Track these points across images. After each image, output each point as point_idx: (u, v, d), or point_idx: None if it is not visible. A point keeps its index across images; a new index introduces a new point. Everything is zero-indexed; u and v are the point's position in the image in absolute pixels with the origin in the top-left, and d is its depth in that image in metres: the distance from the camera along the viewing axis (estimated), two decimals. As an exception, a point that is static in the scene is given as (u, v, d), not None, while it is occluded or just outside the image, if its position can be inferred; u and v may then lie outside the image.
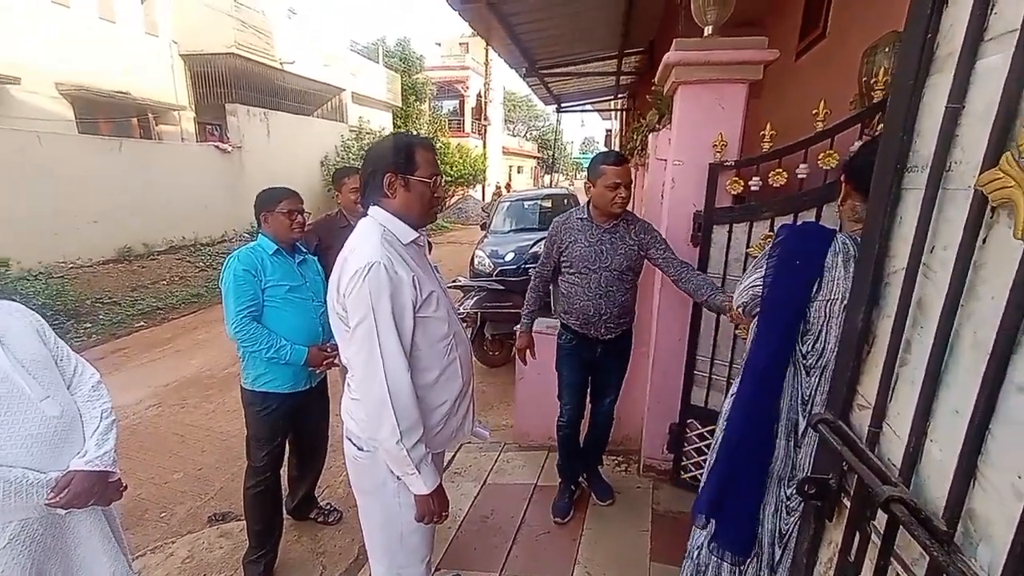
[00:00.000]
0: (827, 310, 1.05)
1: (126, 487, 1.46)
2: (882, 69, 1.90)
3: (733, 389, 1.27)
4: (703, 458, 2.47)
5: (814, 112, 1.95)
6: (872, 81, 1.90)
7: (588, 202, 2.14)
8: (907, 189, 0.71)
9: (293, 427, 2.27)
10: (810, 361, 1.06)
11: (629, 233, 2.09)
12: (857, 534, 0.70)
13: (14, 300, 1.44)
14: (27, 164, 7.15)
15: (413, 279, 1.29)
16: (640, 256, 2.10)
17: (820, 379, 1.06)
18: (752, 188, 2.11)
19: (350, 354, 1.30)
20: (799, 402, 1.07)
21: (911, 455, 0.62)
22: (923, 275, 0.65)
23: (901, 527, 0.63)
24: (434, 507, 1.36)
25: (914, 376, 0.66)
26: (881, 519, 0.65)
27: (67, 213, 7.65)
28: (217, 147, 10.92)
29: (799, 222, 2.00)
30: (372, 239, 1.28)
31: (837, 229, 1.15)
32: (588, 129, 64.67)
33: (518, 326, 2.53)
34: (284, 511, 2.37)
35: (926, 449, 0.61)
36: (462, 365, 1.47)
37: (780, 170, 2.05)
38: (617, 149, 12.17)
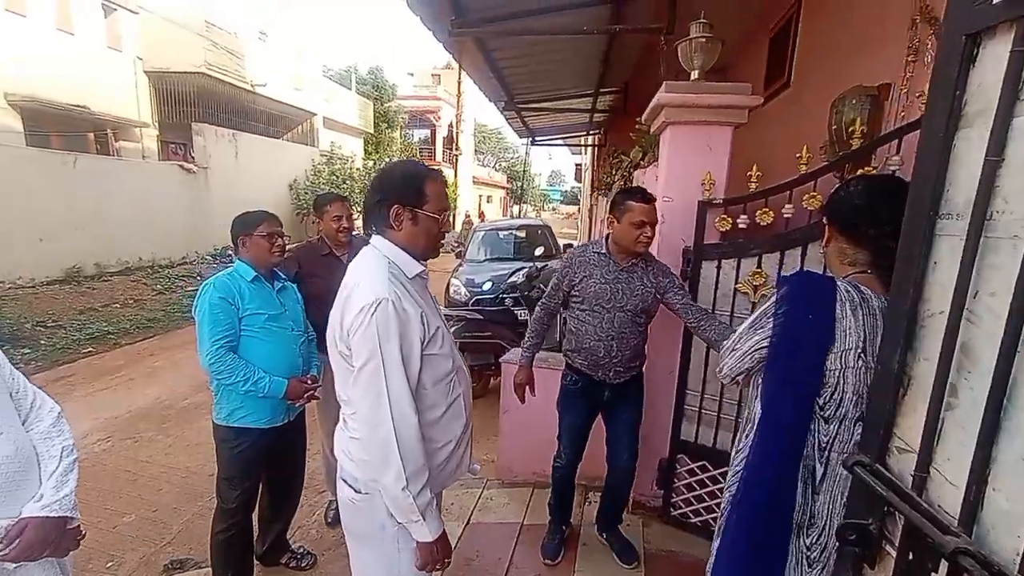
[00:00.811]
0: (842, 361, 1.03)
1: (84, 534, 1.32)
2: (857, 120, 2.04)
3: (741, 446, 1.21)
4: (693, 494, 2.46)
5: (797, 156, 2.05)
6: (850, 130, 2.03)
7: (607, 237, 2.09)
8: (940, 235, 0.73)
9: (268, 465, 2.12)
10: (828, 412, 1.04)
11: (647, 274, 2.03)
12: (914, 585, 0.69)
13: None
14: (-33, 177, 6.68)
15: (421, 315, 1.23)
16: (656, 299, 2.03)
17: (839, 427, 1.05)
18: (740, 226, 2.18)
19: (355, 395, 1.22)
20: (816, 449, 1.06)
21: (971, 504, 0.62)
22: (967, 320, 0.67)
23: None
24: (437, 554, 1.28)
25: (964, 421, 0.66)
26: (941, 569, 0.65)
27: (10, 229, 7.14)
28: (181, 166, 10.57)
29: (788, 265, 2.08)
30: (378, 273, 1.22)
31: (834, 277, 1.14)
32: (555, 162, 66.63)
33: (512, 355, 2.45)
34: (254, 557, 2.19)
35: (989, 498, 0.61)
36: (465, 401, 1.42)
37: (767, 209, 2.14)
38: (588, 183, 12.54)
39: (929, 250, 0.74)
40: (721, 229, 2.22)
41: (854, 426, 1.04)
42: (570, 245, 10.02)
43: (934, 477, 0.71)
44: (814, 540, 1.07)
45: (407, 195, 1.27)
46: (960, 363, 0.68)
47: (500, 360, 3.08)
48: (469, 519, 2.66)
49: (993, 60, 0.65)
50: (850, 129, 2.04)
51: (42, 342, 5.86)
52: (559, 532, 2.37)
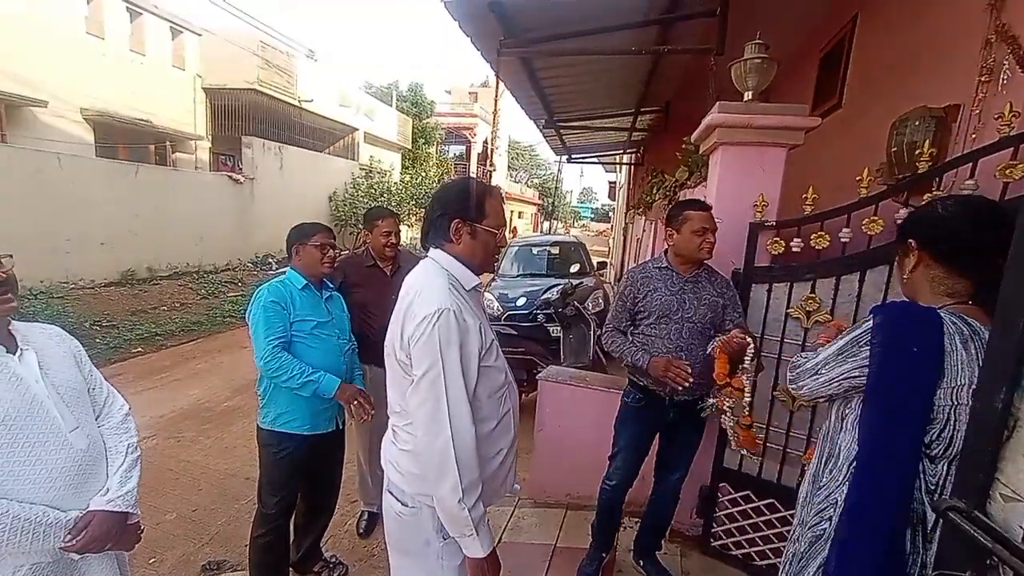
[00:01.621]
0: (953, 397, 0.94)
1: (143, 530, 1.36)
2: (926, 142, 1.95)
3: (824, 482, 1.10)
4: (735, 525, 2.34)
5: (858, 179, 1.98)
6: (916, 152, 1.95)
7: (666, 251, 2.08)
8: (1056, 266, 0.68)
9: (308, 473, 2.15)
10: (936, 451, 0.96)
11: (712, 284, 2.01)
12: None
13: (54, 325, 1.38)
14: (44, 184, 7.23)
15: (480, 327, 1.24)
16: (722, 309, 2.00)
17: (948, 468, 0.96)
18: (793, 249, 2.11)
19: (413, 404, 1.22)
20: (924, 492, 0.97)
21: (1103, 563, 0.56)
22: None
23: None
24: (488, 571, 1.25)
25: (1091, 470, 0.60)
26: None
27: (77, 233, 7.65)
28: (230, 177, 11.10)
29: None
30: (439, 284, 1.24)
31: (936, 308, 1.03)
32: (587, 180, 66.76)
33: (549, 373, 2.40)
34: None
35: None
36: (514, 416, 1.40)
37: (823, 233, 2.06)
38: (623, 201, 12.46)
39: (1041, 281, 0.69)
40: (773, 252, 2.15)
41: None
42: (604, 263, 9.94)
43: (1051, 531, 0.64)
44: None
45: (467, 210, 1.30)
46: (1083, 405, 0.62)
47: (537, 377, 3.04)
48: (500, 538, 2.61)
49: None
50: (916, 152, 1.95)
51: (98, 340, 6.17)
52: (598, 558, 2.29)
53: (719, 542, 2.40)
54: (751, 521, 2.28)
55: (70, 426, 1.21)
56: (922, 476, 0.97)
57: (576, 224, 47.70)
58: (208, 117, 12.28)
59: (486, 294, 6.13)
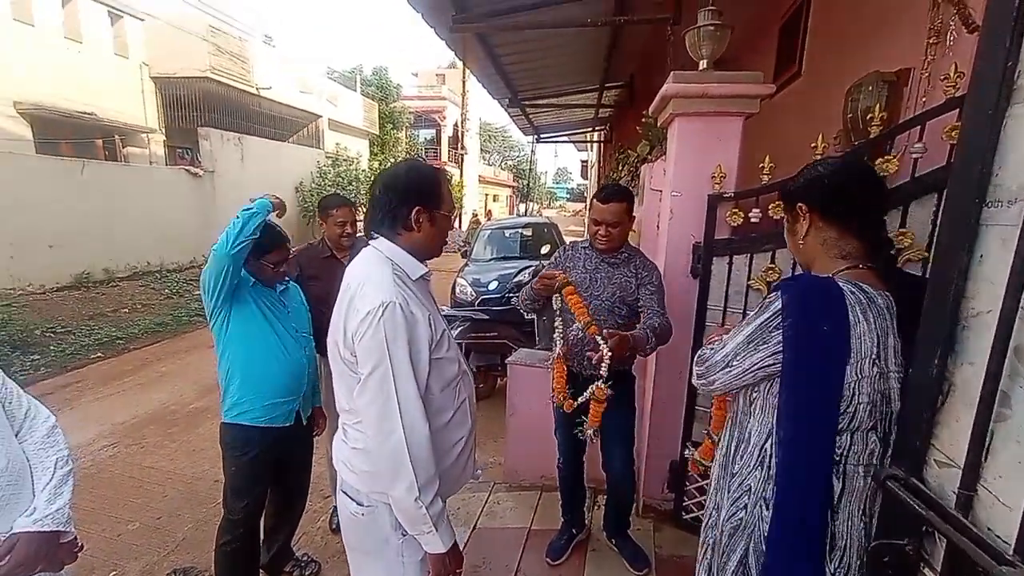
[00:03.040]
0: (858, 371, 0.92)
1: (82, 547, 1.28)
2: (876, 107, 1.95)
3: (736, 469, 1.08)
4: (706, 498, 2.38)
5: (813, 146, 1.96)
6: (868, 118, 1.94)
7: None
8: (987, 225, 0.65)
9: (275, 473, 2.08)
10: (842, 424, 0.94)
11: (629, 266, 2.03)
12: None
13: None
14: (-22, 185, 6.76)
15: (428, 318, 1.18)
16: (635, 291, 2.01)
17: (852, 438, 0.95)
18: (752, 220, 2.10)
19: (361, 403, 1.16)
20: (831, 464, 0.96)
21: (1031, 529, 0.55)
22: (1022, 320, 0.59)
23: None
24: (449, 566, 1.22)
25: (1020, 435, 0.59)
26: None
27: (21, 237, 7.22)
28: (188, 171, 10.62)
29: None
30: (382, 275, 1.17)
31: (833, 278, 1.01)
32: (562, 159, 66.55)
33: (518, 356, 2.39)
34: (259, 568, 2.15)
35: (1053, 523, 0.53)
36: (470, 405, 1.36)
37: (780, 202, 2.05)
38: (594, 179, 12.42)
39: (974, 242, 0.67)
40: (732, 224, 2.14)
41: (867, 436, 0.95)
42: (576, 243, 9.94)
43: (983, 496, 0.63)
44: (837, 564, 0.95)
45: (427, 196, 1.24)
46: (1014, 368, 0.60)
47: (507, 361, 3.01)
48: (475, 525, 2.60)
49: (1053, 23, 0.57)
50: (868, 117, 1.94)
51: (51, 348, 5.88)
52: (568, 533, 2.32)
53: (691, 515, 2.43)
54: (721, 492, 2.31)
55: (-18, 445, 1.12)
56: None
57: (553, 205, 47.59)
58: (160, 108, 11.66)
59: (459, 280, 6.06)
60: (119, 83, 10.42)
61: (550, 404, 2.25)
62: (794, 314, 0.96)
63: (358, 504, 1.27)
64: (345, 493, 1.31)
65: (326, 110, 16.08)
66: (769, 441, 1.00)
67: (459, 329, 4.32)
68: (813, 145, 1.96)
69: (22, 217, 7.24)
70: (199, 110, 11.96)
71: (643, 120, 2.96)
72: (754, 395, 1.06)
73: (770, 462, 0.99)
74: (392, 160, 18.55)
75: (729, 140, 2.16)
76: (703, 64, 2.20)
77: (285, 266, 2.03)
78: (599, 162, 11.74)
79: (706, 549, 1.14)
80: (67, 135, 9.56)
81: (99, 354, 5.95)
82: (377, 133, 19.78)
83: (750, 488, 1.03)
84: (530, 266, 5.24)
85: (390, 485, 1.15)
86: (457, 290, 5.91)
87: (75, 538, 1.27)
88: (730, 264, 2.16)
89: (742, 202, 2.13)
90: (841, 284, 0.96)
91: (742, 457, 1.06)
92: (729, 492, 1.07)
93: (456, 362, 1.30)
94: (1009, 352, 0.60)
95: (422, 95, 25.30)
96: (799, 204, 1.07)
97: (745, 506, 1.02)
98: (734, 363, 1.03)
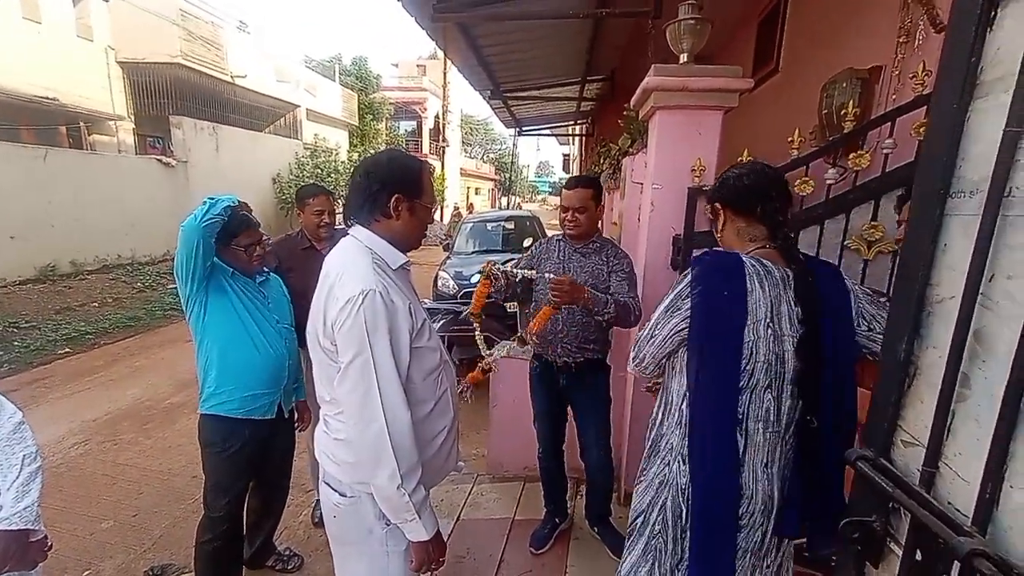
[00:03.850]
0: (754, 332, 1.07)
1: (51, 546, 1.25)
2: (849, 103, 2.00)
3: (664, 430, 1.22)
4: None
5: (789, 140, 2.01)
6: (841, 113, 1.99)
7: None
8: (951, 215, 0.68)
9: (257, 468, 2.05)
10: (742, 382, 1.08)
11: (600, 254, 2.08)
12: (924, 587, 0.65)
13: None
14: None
15: (409, 307, 1.18)
16: (607, 278, 2.06)
17: (751, 396, 1.09)
18: (730, 212, 2.14)
19: (342, 392, 1.16)
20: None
21: (986, 502, 0.58)
22: (982, 305, 0.62)
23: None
24: (432, 554, 1.23)
25: (978, 414, 0.62)
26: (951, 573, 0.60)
27: (-21, 228, 6.90)
28: (160, 160, 10.28)
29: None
30: (362, 264, 1.16)
31: (740, 253, 1.16)
32: (544, 153, 66.45)
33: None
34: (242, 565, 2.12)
35: (1006, 496, 0.57)
36: (451, 396, 1.37)
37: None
38: (577, 172, 12.45)
39: (938, 231, 0.70)
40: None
41: (764, 394, 1.09)
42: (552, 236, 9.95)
43: (944, 473, 0.67)
44: (744, 510, 1.10)
45: (408, 184, 1.23)
46: (973, 351, 0.63)
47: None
48: (459, 516, 2.62)
49: (1015, 21, 0.60)
50: (842, 112, 2.00)
51: (15, 344, 5.67)
52: (551, 523, 2.35)
53: (669, 500, 2.49)
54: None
55: (-55, 443, 1.08)
56: None
57: (535, 199, 47.58)
58: (128, 95, 11.23)
59: (441, 273, 6.02)
60: (83, 67, 9.97)
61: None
62: (702, 283, 1.11)
63: (341, 495, 1.26)
64: (328, 484, 1.30)
65: (304, 100, 15.73)
66: (685, 401, 1.14)
67: (441, 322, 4.30)
68: (790, 139, 2.01)
69: (-19, 207, 6.92)
70: (170, 97, 11.56)
71: (624, 113, 2.98)
72: (675, 360, 1.20)
73: (685, 420, 1.14)
74: (372, 152, 18.28)
75: (709, 133, 2.19)
76: (683, 58, 2.22)
77: (259, 250, 1.98)
78: (581, 156, 11.78)
79: (641, 501, 1.27)
80: (27, 121, 9.14)
81: (67, 349, 5.75)
82: (357, 124, 19.45)
83: (672, 446, 1.17)
84: (511, 259, 5.26)
85: (372, 473, 1.15)
86: (439, 283, 5.87)
87: (45, 536, 1.25)
88: (708, 256, 2.20)
89: (721, 195, 2.17)
90: (744, 258, 1.12)
91: (668, 419, 1.19)
92: (660, 452, 1.20)
93: (437, 352, 1.30)
94: (969, 335, 0.63)
95: (403, 86, 24.94)
96: (715, 203, 1.28)
97: (668, 463, 1.17)
98: (656, 332, 1.18)
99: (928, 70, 1.63)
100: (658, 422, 1.24)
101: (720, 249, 1.22)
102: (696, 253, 1.33)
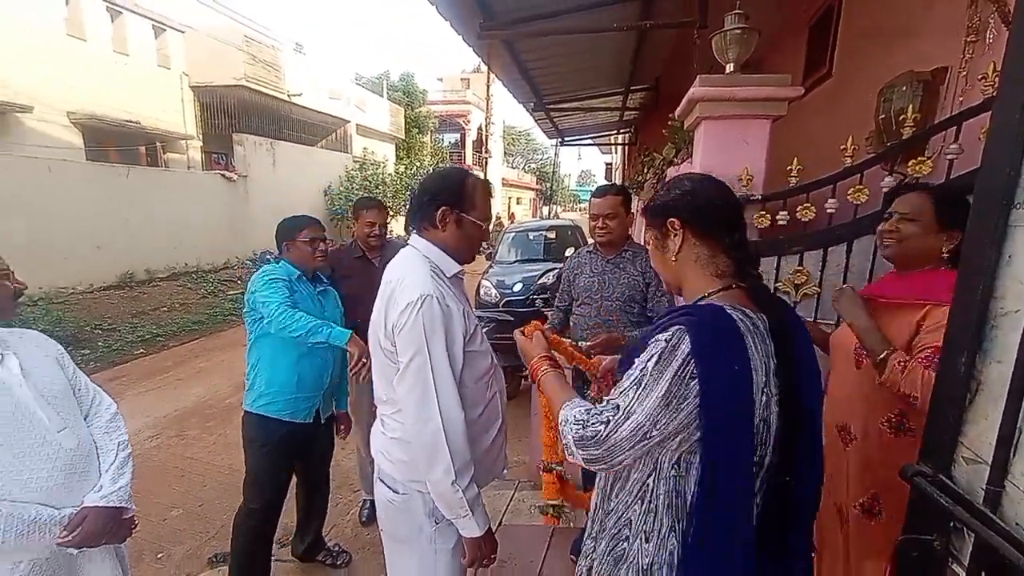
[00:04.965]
0: (761, 405, 0.86)
1: (137, 524, 1.38)
2: (909, 107, 1.92)
3: (612, 507, 0.98)
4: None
5: (842, 147, 1.95)
6: (900, 119, 1.92)
7: None
8: (1016, 226, 0.67)
9: (300, 464, 2.18)
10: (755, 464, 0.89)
11: (634, 264, 2.08)
12: (990, 609, 0.63)
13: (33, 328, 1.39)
14: (34, 191, 7.19)
15: (463, 312, 1.25)
16: (644, 288, 2.06)
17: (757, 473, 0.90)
18: (779, 222, 2.09)
19: (401, 391, 1.23)
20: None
21: (1056, 521, 0.56)
22: (1049, 319, 0.61)
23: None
24: (484, 549, 1.28)
25: (1047, 430, 0.60)
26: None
27: (71, 239, 7.65)
28: (223, 175, 11.04)
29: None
30: (421, 271, 1.24)
31: (718, 304, 0.92)
32: (585, 162, 66.18)
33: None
34: (272, 556, 2.23)
35: (1078, 515, 0.55)
36: (501, 400, 1.42)
37: (808, 204, 2.04)
38: (618, 182, 12.36)
39: (1002, 242, 0.68)
40: (759, 226, 2.13)
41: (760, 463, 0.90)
42: (581, 249, 9.85)
43: (1010, 492, 0.64)
44: None
45: (456, 198, 1.30)
46: (1041, 366, 0.62)
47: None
48: (501, 521, 2.65)
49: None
50: (900, 117, 1.92)
51: (99, 344, 6.21)
52: (591, 532, 2.33)
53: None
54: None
55: (57, 427, 1.23)
56: None
57: (576, 208, 47.41)
58: (197, 116, 12.16)
59: (483, 282, 6.12)
60: (161, 93, 10.91)
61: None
62: (707, 360, 0.85)
63: (394, 492, 1.33)
64: (382, 481, 1.37)
65: (354, 115, 16.45)
66: (652, 477, 0.92)
67: (484, 330, 4.38)
68: (843, 147, 1.95)
69: (73, 220, 7.67)
70: (233, 116, 12.41)
71: (669, 123, 2.96)
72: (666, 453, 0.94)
73: (651, 498, 0.92)
74: (417, 164, 18.82)
75: (756, 143, 2.16)
76: (730, 68, 2.21)
77: (323, 246, 2.10)
78: (623, 164, 11.68)
79: (582, 573, 1.07)
80: (114, 143, 10.06)
81: (141, 350, 6.25)
82: (403, 137, 20.11)
83: (630, 522, 0.96)
84: (553, 268, 5.28)
85: (428, 470, 1.20)
86: (481, 292, 5.97)
87: (133, 516, 1.37)
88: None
89: (769, 204, 2.13)
90: (728, 311, 0.89)
91: (618, 494, 0.98)
92: (608, 528, 1.00)
93: (488, 356, 1.35)
94: (1037, 350, 0.62)
95: (447, 99, 25.61)
96: (671, 220, 0.98)
97: (626, 538, 0.96)
98: (653, 432, 0.85)
99: (999, 71, 1.54)
100: (606, 494, 1.01)
101: (701, 304, 0.94)
102: (668, 313, 0.98)
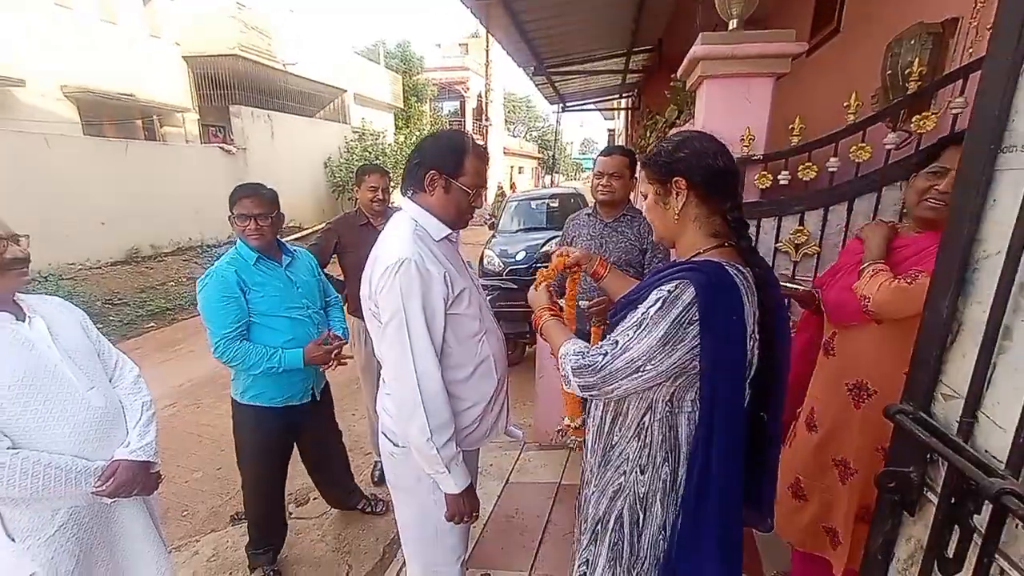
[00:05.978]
0: (751, 351, 0.97)
1: (163, 478, 1.47)
2: (915, 61, 1.88)
3: (615, 440, 1.08)
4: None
5: (845, 105, 1.93)
6: (906, 72, 1.88)
7: None
8: (1002, 171, 0.69)
9: (297, 443, 2.21)
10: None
11: (632, 228, 2.09)
12: (957, 529, 0.68)
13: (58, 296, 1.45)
14: (35, 166, 7.16)
15: (444, 275, 1.27)
16: (641, 252, 2.07)
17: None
18: (780, 182, 2.09)
19: (383, 350, 1.29)
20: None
21: (1020, 446, 0.60)
22: (1027, 258, 0.63)
23: (1008, 522, 0.61)
24: (464, 507, 1.35)
25: (1019, 363, 0.64)
26: (983, 514, 0.63)
27: (75, 215, 7.66)
28: (221, 148, 10.92)
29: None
30: (403, 233, 1.27)
31: (716, 261, 0.98)
32: (587, 130, 64.82)
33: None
34: (287, 516, 2.34)
35: (1040, 438, 0.59)
36: (496, 363, 1.44)
37: (810, 164, 2.03)
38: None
39: (988, 187, 0.70)
40: (761, 186, 2.13)
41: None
42: (579, 212, 9.80)
43: (982, 422, 0.69)
44: None
45: (446, 163, 1.30)
46: (1017, 303, 0.65)
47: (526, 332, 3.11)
48: (508, 479, 2.76)
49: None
50: (907, 72, 1.89)
51: (111, 318, 6.33)
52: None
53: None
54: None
55: (86, 386, 1.30)
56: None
57: (579, 176, 46.77)
58: (192, 87, 11.94)
59: (486, 251, 6.14)
60: (154, 64, 10.67)
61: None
62: (708, 306, 0.91)
63: (394, 444, 1.40)
64: (384, 435, 1.43)
65: (351, 85, 16.09)
66: (648, 415, 1.02)
67: (488, 298, 4.43)
68: (846, 104, 1.93)
69: (75, 196, 7.66)
70: (229, 87, 12.17)
71: (671, 84, 2.92)
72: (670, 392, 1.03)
73: (646, 434, 1.03)
74: (417, 134, 18.53)
75: (759, 101, 2.13)
76: (733, 24, 2.16)
77: (270, 220, 1.90)
78: (627, 129, 11.46)
79: (586, 505, 1.17)
80: (109, 116, 9.94)
81: (152, 324, 6.36)
82: (402, 107, 19.73)
83: (628, 456, 1.06)
84: (556, 236, 5.29)
85: (407, 426, 1.27)
86: (485, 261, 5.99)
87: (159, 470, 1.46)
88: (758, 228, 2.16)
89: (771, 164, 2.12)
90: (726, 267, 0.96)
91: (620, 430, 1.07)
92: (612, 461, 1.09)
93: (477, 319, 1.37)
94: (1014, 288, 0.65)
95: (445, 66, 24.94)
96: (677, 179, 1.01)
97: (624, 472, 1.06)
98: (647, 367, 0.93)
99: (1006, 21, 1.51)
100: (605, 431, 1.10)
101: (709, 260, 0.99)
102: (671, 267, 1.03)
